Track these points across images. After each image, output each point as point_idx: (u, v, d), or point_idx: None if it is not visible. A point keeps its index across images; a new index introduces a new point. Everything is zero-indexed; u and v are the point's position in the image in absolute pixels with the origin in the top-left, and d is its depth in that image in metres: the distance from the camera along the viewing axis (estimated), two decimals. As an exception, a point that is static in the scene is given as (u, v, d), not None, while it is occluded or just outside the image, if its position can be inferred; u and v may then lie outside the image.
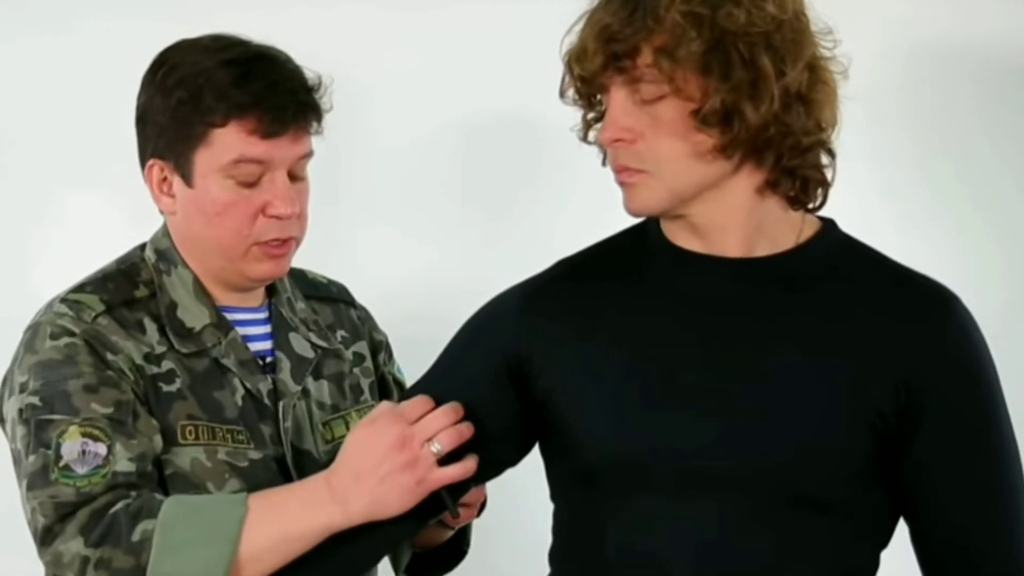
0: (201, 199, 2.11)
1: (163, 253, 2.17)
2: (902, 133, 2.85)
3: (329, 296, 2.30)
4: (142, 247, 2.20)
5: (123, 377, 2.06)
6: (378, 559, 2.10)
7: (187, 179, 2.11)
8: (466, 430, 1.94)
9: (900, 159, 2.86)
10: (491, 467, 2.03)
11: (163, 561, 1.93)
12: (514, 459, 2.06)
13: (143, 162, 2.15)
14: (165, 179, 2.13)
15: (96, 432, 2.01)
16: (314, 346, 2.22)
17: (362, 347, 2.28)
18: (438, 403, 1.96)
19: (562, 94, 1.92)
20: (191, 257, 2.16)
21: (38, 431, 2.03)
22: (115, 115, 2.76)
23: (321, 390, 2.20)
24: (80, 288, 2.14)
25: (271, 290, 2.23)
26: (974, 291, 1.98)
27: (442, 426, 1.92)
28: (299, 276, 2.29)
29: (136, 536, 1.95)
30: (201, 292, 2.15)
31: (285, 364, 2.17)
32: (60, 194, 2.94)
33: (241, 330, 2.17)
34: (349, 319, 2.29)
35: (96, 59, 2.88)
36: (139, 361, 2.08)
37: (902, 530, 1.95)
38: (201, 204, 2.11)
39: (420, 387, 2.04)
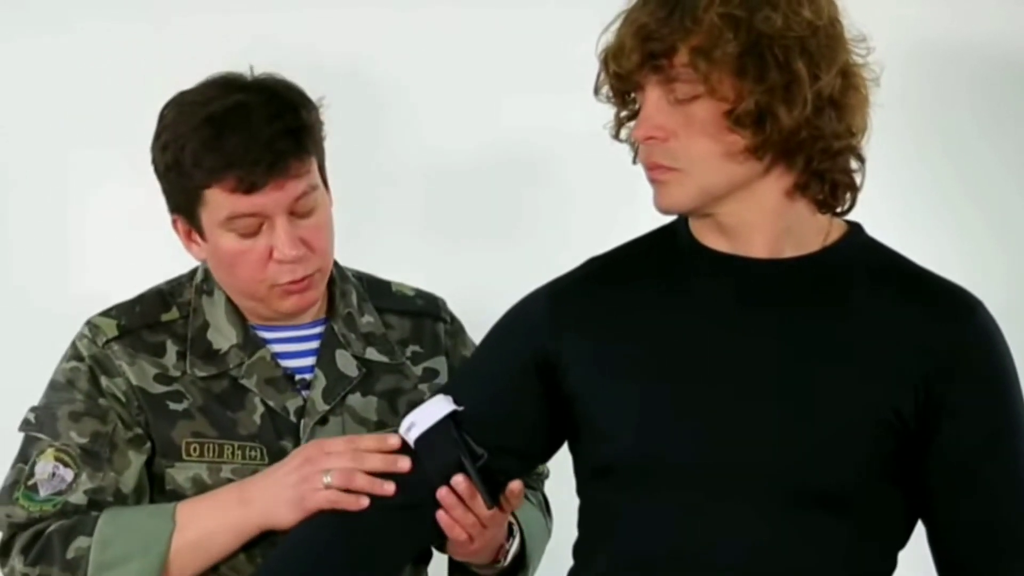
0: (215, 251, 2.16)
1: (209, 274, 2.23)
2: (902, 133, 2.85)
3: (412, 309, 2.31)
4: (198, 268, 2.26)
5: (113, 405, 2.15)
6: (418, 538, 2.10)
7: (200, 234, 2.16)
8: (362, 478, 1.98)
9: (900, 159, 2.87)
10: (521, 463, 2.07)
11: (99, 575, 2.07)
12: (544, 455, 2.10)
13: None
14: (190, 231, 2.18)
15: (67, 459, 2.13)
16: (363, 363, 2.23)
17: (439, 363, 2.29)
18: (468, 404, 1.98)
19: (596, 91, 1.94)
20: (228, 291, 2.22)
21: (25, 445, 2.17)
22: (116, 114, 2.78)
23: (368, 406, 2.22)
24: (107, 311, 2.23)
25: (330, 305, 2.26)
26: (975, 291, 2.00)
27: (344, 463, 2.00)
28: (379, 288, 2.31)
29: (71, 554, 2.08)
30: (234, 313, 2.21)
31: (320, 382, 2.21)
32: (69, 193, 2.95)
33: (280, 347, 2.22)
34: (431, 333, 2.30)
35: (98, 59, 2.89)
36: (137, 383, 2.16)
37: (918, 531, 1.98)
38: (216, 255, 2.16)
39: (453, 386, 2.06)
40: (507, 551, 2.17)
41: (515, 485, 2.03)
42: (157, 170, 2.16)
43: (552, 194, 2.92)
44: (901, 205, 2.86)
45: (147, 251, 2.67)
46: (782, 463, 1.88)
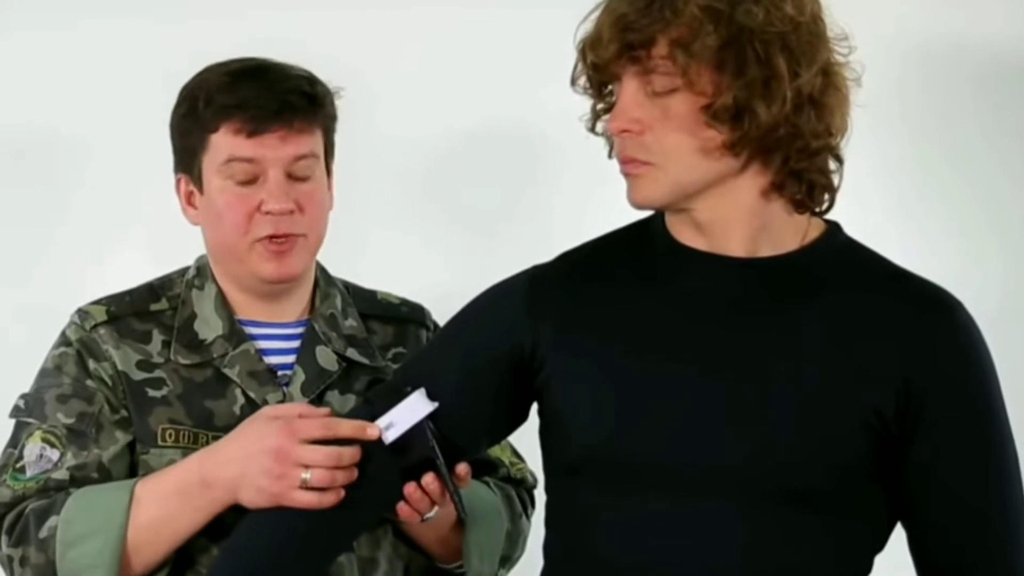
0: (209, 202, 2.19)
1: (201, 269, 2.26)
2: (901, 133, 2.86)
3: (396, 316, 2.32)
4: (190, 266, 2.28)
5: (100, 387, 2.17)
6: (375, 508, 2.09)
7: (200, 187, 2.20)
8: (341, 475, 1.96)
9: (900, 160, 2.87)
10: (482, 448, 2.10)
11: (66, 554, 2.07)
12: (502, 438, 2.13)
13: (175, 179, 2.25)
14: (191, 192, 2.21)
15: (53, 439, 2.14)
16: (343, 360, 2.24)
17: None
18: (441, 397, 1.96)
19: (573, 82, 1.92)
20: (219, 269, 2.24)
21: (16, 431, 2.19)
22: (119, 114, 2.77)
23: (346, 404, 2.21)
24: (98, 300, 2.25)
25: (313, 306, 2.27)
26: (973, 292, 1.98)
27: (323, 463, 1.97)
28: (364, 296, 2.33)
29: (43, 533, 2.08)
30: (222, 305, 2.23)
31: (299, 377, 2.21)
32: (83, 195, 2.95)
33: (263, 343, 2.23)
34: (415, 338, 2.31)
35: (102, 58, 2.89)
36: (122, 368, 2.18)
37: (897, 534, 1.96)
38: (210, 207, 2.19)
39: (424, 369, 2.03)
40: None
41: (461, 468, 2.02)
42: (172, 127, 2.22)
43: (536, 189, 2.92)
44: (899, 205, 2.86)
45: (151, 247, 2.66)
46: (762, 462, 1.86)
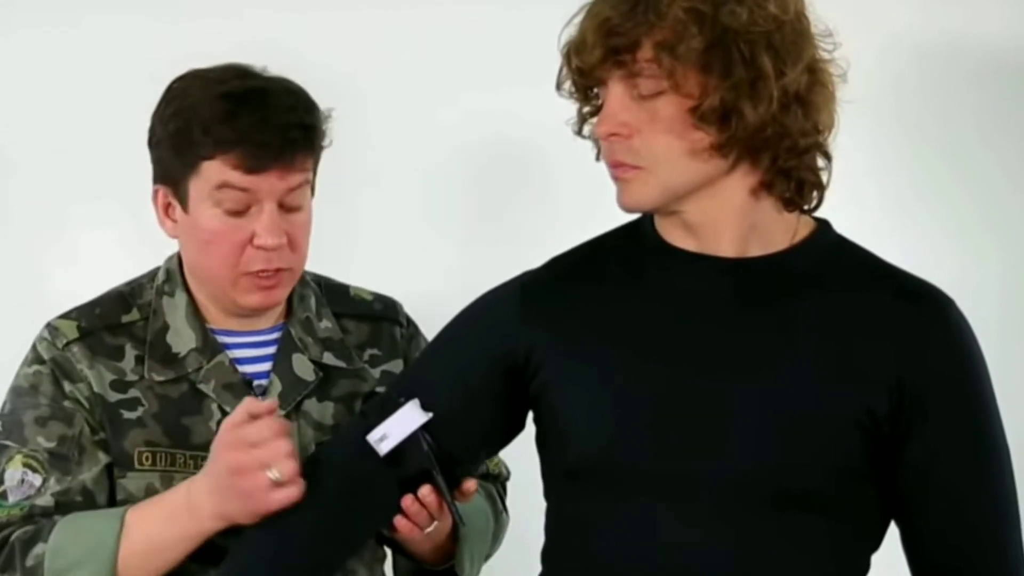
0: (194, 226, 2.14)
1: (171, 273, 2.22)
2: (899, 133, 2.85)
3: (369, 314, 2.30)
4: (159, 269, 2.25)
5: (78, 408, 2.13)
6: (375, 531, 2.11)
7: (184, 205, 2.14)
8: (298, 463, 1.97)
9: (897, 159, 2.86)
10: (474, 462, 2.09)
11: None
12: (493, 453, 2.13)
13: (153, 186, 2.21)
14: (169, 204, 2.16)
15: (35, 464, 2.11)
16: (320, 367, 2.22)
17: (396, 365, 2.27)
18: (436, 406, 1.96)
19: (559, 86, 1.91)
20: (192, 280, 2.20)
21: None
22: (120, 115, 2.77)
23: (325, 411, 2.20)
24: (67, 313, 2.20)
25: (288, 310, 2.25)
26: (972, 291, 1.98)
27: (281, 453, 1.96)
28: (337, 293, 2.30)
29: (29, 561, 2.05)
30: (194, 316, 2.19)
31: (276, 387, 2.19)
32: (70, 199, 2.95)
33: (237, 352, 2.20)
34: (389, 336, 2.29)
35: (100, 57, 2.89)
36: (98, 389, 2.14)
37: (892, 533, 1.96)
38: (194, 231, 2.14)
39: (418, 380, 2.03)
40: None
41: (470, 484, 2.02)
42: (153, 137, 2.16)
43: (528, 191, 2.91)
44: (898, 205, 2.86)
45: (151, 247, 2.66)
46: (759, 464, 1.85)
